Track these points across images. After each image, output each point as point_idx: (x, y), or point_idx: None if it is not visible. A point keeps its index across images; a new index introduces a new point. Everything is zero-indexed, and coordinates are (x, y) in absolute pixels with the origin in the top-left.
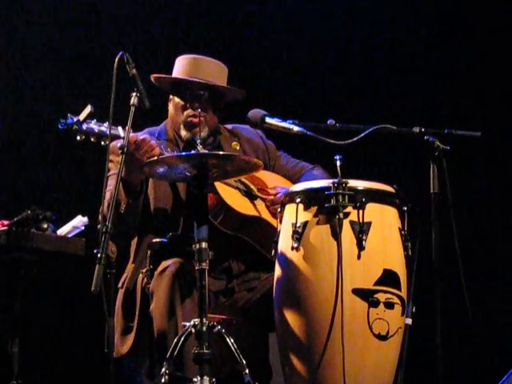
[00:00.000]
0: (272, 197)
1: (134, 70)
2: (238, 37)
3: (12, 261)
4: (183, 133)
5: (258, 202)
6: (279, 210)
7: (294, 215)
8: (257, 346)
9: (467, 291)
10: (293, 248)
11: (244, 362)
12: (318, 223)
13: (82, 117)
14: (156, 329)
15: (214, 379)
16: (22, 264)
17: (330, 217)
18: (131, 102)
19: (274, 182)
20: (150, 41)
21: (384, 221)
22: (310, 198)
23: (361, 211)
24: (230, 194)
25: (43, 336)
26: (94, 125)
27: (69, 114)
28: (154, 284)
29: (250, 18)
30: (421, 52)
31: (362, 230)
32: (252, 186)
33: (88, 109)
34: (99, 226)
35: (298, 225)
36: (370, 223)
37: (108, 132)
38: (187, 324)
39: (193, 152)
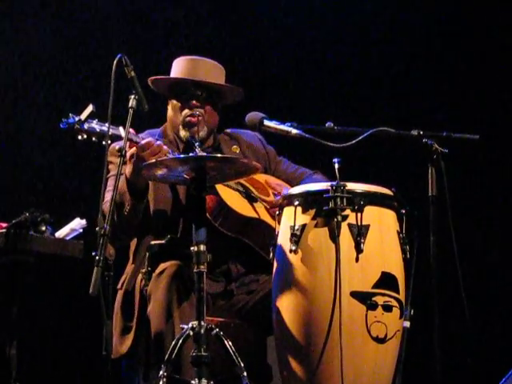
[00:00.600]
0: (272, 199)
1: (133, 73)
2: (235, 39)
3: (10, 263)
4: (182, 133)
5: (258, 205)
6: (277, 212)
7: (292, 218)
8: (255, 348)
9: (465, 294)
10: (291, 251)
11: (242, 364)
12: (316, 226)
13: (83, 116)
14: (153, 331)
15: (211, 382)
16: (20, 266)
17: (329, 220)
18: (129, 104)
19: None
20: (147, 43)
21: (382, 224)
22: (309, 201)
23: (359, 214)
24: (230, 196)
25: (41, 338)
26: (95, 124)
27: (70, 114)
28: (152, 286)
29: (248, 19)
30: (420, 54)
31: (360, 233)
32: (252, 189)
33: (89, 108)
34: (97, 229)
35: (297, 227)
36: (368, 226)
37: (109, 132)
38: (185, 326)
39: (191, 154)
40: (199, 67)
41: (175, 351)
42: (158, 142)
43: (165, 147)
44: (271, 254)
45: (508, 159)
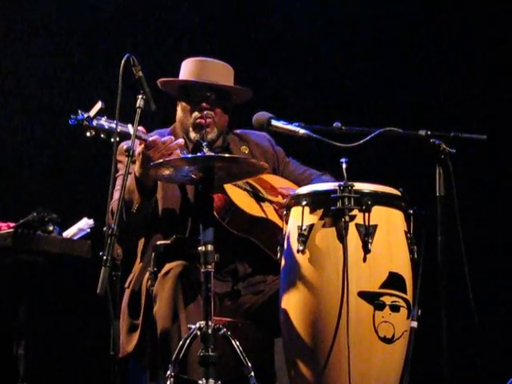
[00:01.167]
0: (280, 199)
1: (140, 73)
2: (244, 40)
3: (18, 263)
4: (192, 135)
5: (266, 205)
6: (285, 212)
7: (299, 218)
8: (262, 349)
9: (473, 294)
10: (298, 251)
11: (249, 364)
12: (323, 226)
13: (92, 113)
14: (159, 331)
15: (219, 382)
16: (27, 266)
17: (336, 220)
18: (137, 104)
19: (284, 185)
20: (156, 44)
21: (390, 224)
22: (316, 201)
23: (367, 214)
24: (238, 195)
25: (49, 338)
26: (104, 121)
27: (79, 110)
28: (158, 286)
29: (256, 21)
30: (428, 54)
31: (367, 233)
32: (260, 189)
33: (98, 105)
34: (105, 229)
35: (304, 228)
36: (375, 226)
37: (118, 129)
38: (192, 326)
39: (199, 154)
40: (208, 68)
41: (183, 351)
42: (166, 138)
43: (174, 142)
44: (278, 254)
45: None
